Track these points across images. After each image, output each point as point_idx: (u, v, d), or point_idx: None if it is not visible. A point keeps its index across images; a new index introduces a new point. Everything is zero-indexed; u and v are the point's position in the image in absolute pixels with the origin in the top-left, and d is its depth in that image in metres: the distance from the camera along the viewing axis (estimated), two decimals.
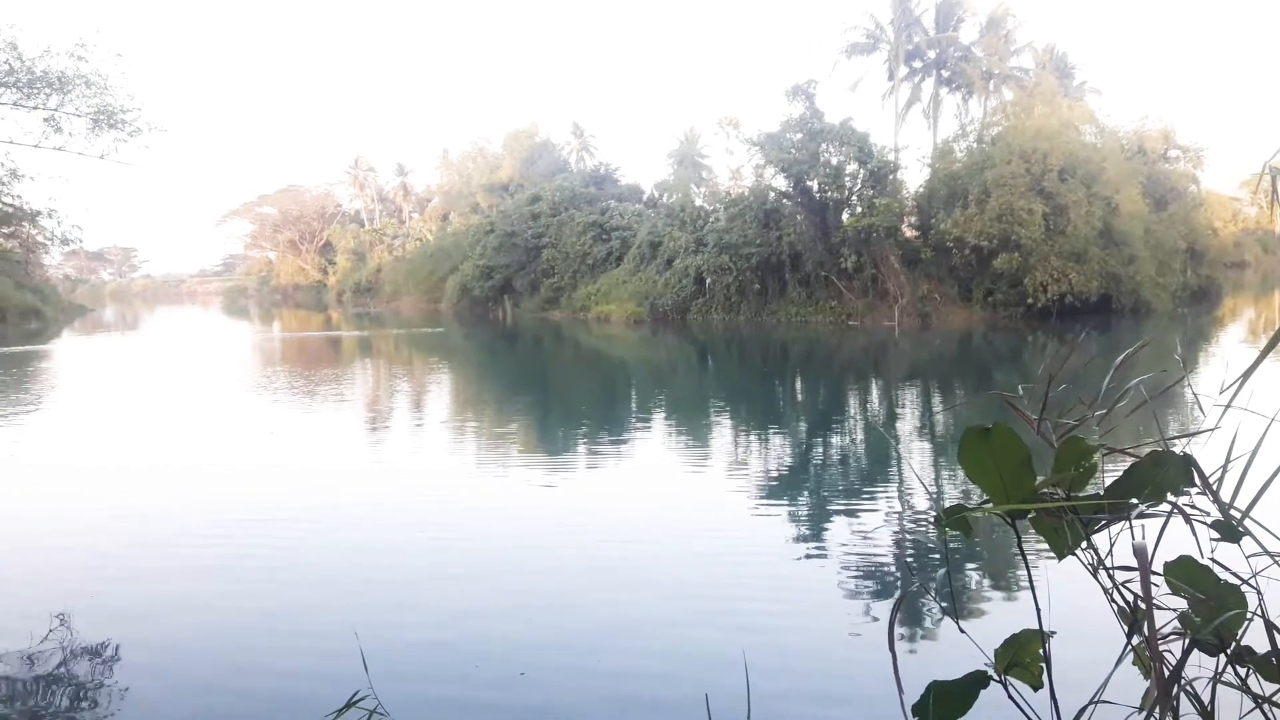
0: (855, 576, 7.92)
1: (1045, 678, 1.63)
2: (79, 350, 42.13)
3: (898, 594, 7.40)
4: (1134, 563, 1.45)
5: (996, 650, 1.65)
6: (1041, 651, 1.63)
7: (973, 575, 7.88)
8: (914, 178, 49.48)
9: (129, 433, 16.64)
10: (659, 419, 18.23)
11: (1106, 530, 1.60)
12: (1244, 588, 1.50)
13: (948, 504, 10.17)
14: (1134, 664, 1.62)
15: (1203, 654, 1.53)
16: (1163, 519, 1.56)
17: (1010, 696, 1.61)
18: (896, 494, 11.15)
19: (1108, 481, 1.57)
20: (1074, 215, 37.90)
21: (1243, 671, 1.51)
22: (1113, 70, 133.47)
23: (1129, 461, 1.58)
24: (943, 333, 36.77)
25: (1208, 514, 1.54)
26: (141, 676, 6.15)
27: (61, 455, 14.62)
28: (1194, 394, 1.90)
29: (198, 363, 33.16)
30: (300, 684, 6.01)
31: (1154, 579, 1.50)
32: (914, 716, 1.55)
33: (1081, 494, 1.58)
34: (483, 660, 6.23)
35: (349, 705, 2.14)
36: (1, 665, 6.35)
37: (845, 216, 42.63)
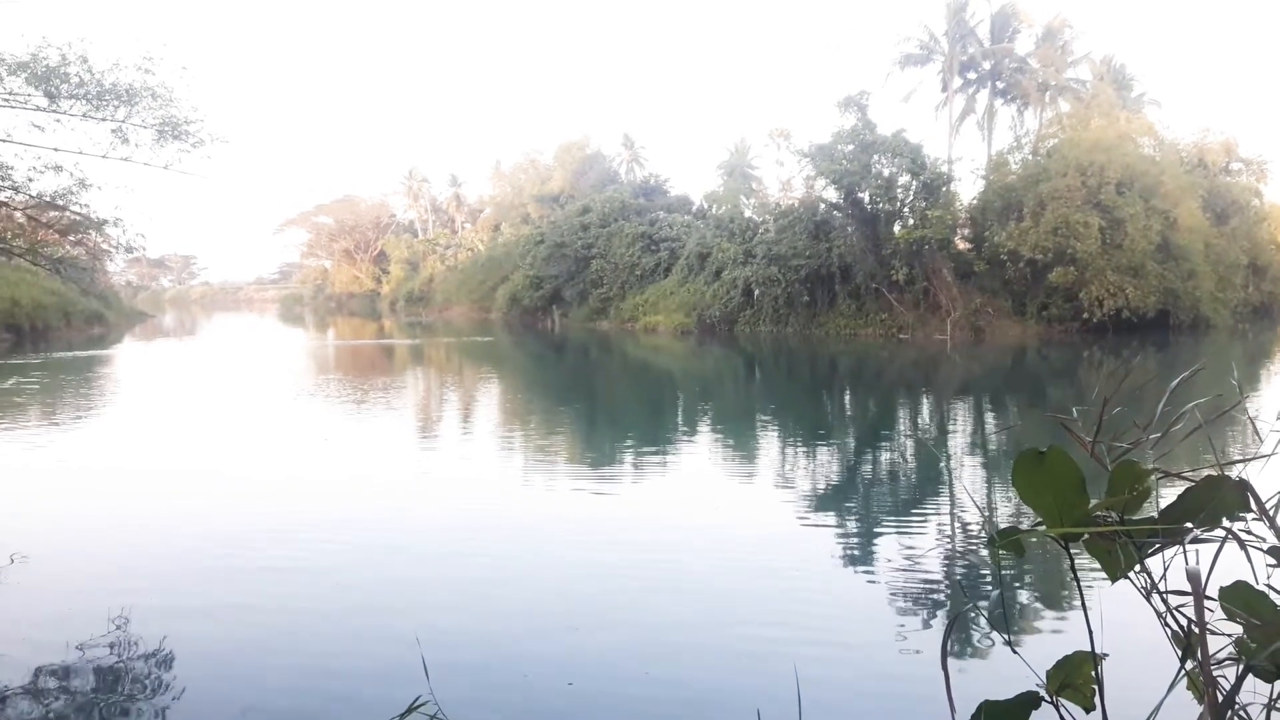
0: (906, 594, 7.86)
1: (1097, 700, 1.64)
2: (140, 355, 43.19)
3: (950, 613, 7.33)
4: (1188, 587, 1.46)
5: (1048, 671, 1.66)
6: (1094, 673, 1.64)
7: (1025, 596, 7.79)
8: (967, 190, 48.90)
9: (188, 437, 17.02)
10: (706, 431, 18.23)
11: (1160, 554, 1.61)
12: None
13: (1000, 524, 10.00)
14: (1188, 688, 1.62)
15: (1259, 680, 1.53)
16: (1218, 544, 1.56)
17: (1062, 718, 1.62)
18: (948, 512, 11.04)
19: (1163, 504, 1.58)
20: (1131, 229, 37.27)
21: None
22: (1173, 82, 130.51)
23: (1184, 485, 1.58)
24: (996, 347, 36.30)
25: (1264, 540, 1.54)
26: (198, 678, 6.29)
27: (121, 458, 15.00)
28: (1250, 419, 1.89)
29: (254, 368, 33.81)
30: (353, 687, 6.11)
31: (1209, 604, 1.51)
32: None
33: (1135, 517, 1.59)
34: (532, 668, 6.29)
35: (411, 710, 2.20)
36: (61, 662, 6.54)
37: (897, 228, 42.30)
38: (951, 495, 11.73)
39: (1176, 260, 39.02)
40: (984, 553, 8.83)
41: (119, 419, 20.10)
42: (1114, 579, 1.61)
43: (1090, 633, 1.66)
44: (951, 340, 38.85)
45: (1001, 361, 32.05)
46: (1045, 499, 1.58)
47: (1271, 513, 1.55)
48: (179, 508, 11.40)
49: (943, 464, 13.68)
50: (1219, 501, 1.54)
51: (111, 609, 7.52)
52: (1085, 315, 37.87)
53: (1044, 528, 1.58)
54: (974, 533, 9.77)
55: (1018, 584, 8.03)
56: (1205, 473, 1.59)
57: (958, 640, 6.62)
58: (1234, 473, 1.59)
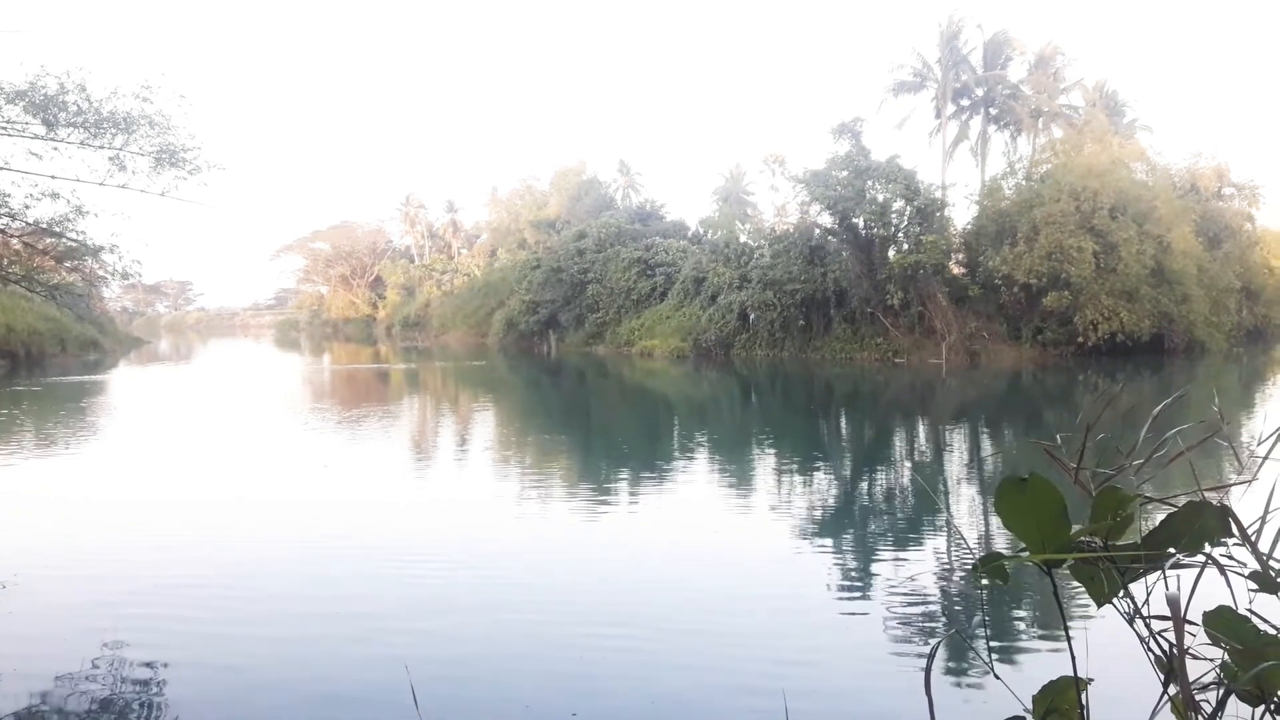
0: (895, 620, 7.84)
1: None
2: (135, 381, 43.09)
3: (935, 639, 7.31)
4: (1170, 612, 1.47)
5: (1034, 696, 1.67)
6: (1079, 698, 1.65)
7: (1012, 621, 7.77)
8: (961, 215, 49.25)
9: (184, 464, 16.97)
10: (701, 456, 18.21)
11: (1144, 579, 1.62)
12: None
13: (990, 549, 9.95)
14: (1172, 712, 1.63)
15: (1245, 705, 1.54)
16: (1199, 569, 1.57)
17: None
18: (938, 538, 11.03)
19: (1147, 530, 1.59)
20: (1125, 253, 37.49)
21: None
22: (1165, 107, 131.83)
23: (1168, 511, 1.60)
24: (991, 371, 36.36)
25: (1245, 565, 1.56)
26: (186, 706, 6.24)
27: (117, 486, 14.94)
28: (1231, 446, 1.92)
29: (251, 395, 33.74)
30: (344, 717, 6.07)
31: (1194, 628, 1.52)
32: None
33: (1120, 543, 1.61)
34: (534, 698, 6.25)
35: None
36: (49, 690, 6.49)
37: (891, 253, 42.49)
38: (943, 520, 11.72)
39: (1170, 284, 39.23)
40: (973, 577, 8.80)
41: (113, 447, 20.03)
42: (1099, 604, 1.63)
43: (1073, 658, 1.67)
44: (946, 364, 38.91)
45: (997, 386, 32.08)
46: (1028, 526, 1.60)
47: (1254, 538, 1.57)
48: (173, 534, 11.34)
49: (935, 490, 13.67)
50: (1201, 527, 1.56)
51: (102, 636, 7.47)
52: (1080, 339, 38.04)
53: (1027, 554, 1.60)
54: (963, 559, 9.76)
55: (1006, 609, 8.02)
56: (1187, 498, 1.61)
57: (945, 666, 6.60)
58: (1216, 498, 1.61)
